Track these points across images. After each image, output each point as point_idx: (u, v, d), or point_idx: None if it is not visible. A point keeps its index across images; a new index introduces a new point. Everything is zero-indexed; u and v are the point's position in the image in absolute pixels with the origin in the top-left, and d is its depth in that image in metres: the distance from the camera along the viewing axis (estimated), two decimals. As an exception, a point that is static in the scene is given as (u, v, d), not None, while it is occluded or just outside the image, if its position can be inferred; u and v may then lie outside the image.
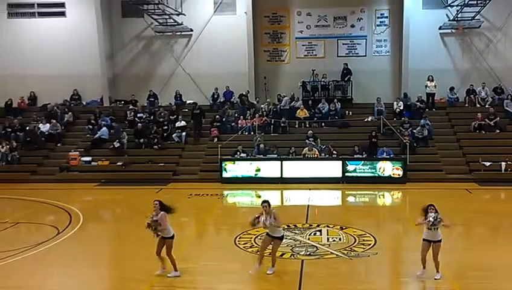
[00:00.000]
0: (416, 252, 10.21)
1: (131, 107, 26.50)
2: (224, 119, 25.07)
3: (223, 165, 21.96)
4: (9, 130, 25.25)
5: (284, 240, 11.26)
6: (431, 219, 9.71)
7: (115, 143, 23.89)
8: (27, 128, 25.16)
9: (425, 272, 10.04)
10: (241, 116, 25.05)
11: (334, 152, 22.43)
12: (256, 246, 12.29)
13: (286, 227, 13.77)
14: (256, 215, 10.39)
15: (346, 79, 26.18)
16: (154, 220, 10.03)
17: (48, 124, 25.46)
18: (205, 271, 11.05)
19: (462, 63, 26.50)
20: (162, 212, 10.14)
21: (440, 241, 9.90)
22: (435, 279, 9.88)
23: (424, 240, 10.00)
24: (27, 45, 27.75)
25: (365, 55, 27.00)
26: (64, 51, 27.35)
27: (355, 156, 22.13)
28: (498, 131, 23.63)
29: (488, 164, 21.71)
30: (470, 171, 21.85)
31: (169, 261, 10.41)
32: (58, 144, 25.05)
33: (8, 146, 23.92)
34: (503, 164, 21.61)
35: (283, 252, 11.59)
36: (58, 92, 27.15)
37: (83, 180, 22.32)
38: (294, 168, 21.74)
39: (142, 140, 24.33)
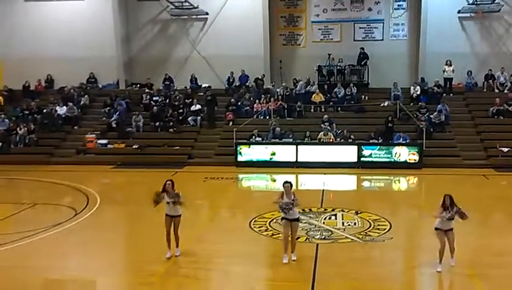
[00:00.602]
0: (431, 237, 10.15)
1: (146, 90, 26.58)
2: (239, 103, 25.05)
3: (238, 148, 21.99)
4: (27, 112, 25.51)
5: (299, 224, 11.29)
6: (446, 216, 9.64)
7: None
8: (44, 110, 25.38)
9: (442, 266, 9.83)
10: (257, 100, 25.00)
11: (352, 137, 22.31)
12: (271, 230, 12.34)
13: (301, 211, 13.78)
14: (279, 196, 10.32)
15: (362, 63, 25.94)
16: (177, 193, 10.47)
17: (64, 107, 25.66)
18: (220, 253, 11.13)
19: (480, 48, 26.08)
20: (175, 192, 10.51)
21: (452, 229, 9.80)
22: (451, 265, 9.82)
23: (436, 229, 9.82)
24: (44, 28, 27.87)
25: (382, 39, 26.68)
26: (81, 34, 27.43)
27: (371, 141, 22.01)
28: (516, 116, 23.30)
29: (505, 149, 21.45)
30: (487, 157, 21.63)
31: (174, 240, 10.65)
32: (75, 127, 25.26)
33: (25, 128, 24.17)
34: (521, 150, 21.36)
35: (298, 235, 11.61)
36: (75, 75, 27.28)
37: (99, 163, 22.51)
38: (309, 153, 21.69)
39: (157, 123, 24.43)
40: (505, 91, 24.56)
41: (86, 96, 26.78)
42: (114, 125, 24.39)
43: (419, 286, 10.07)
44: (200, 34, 27.69)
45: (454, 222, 9.78)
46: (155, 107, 24.89)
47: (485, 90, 25.18)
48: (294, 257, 10.38)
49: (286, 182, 10.42)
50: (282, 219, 10.49)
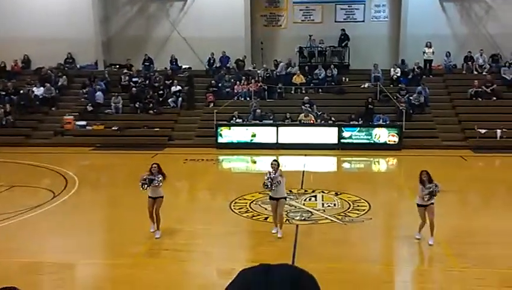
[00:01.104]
0: (410, 217, 10.30)
1: (125, 71, 26.23)
2: (220, 85, 24.89)
3: (219, 130, 21.91)
4: (3, 93, 25.01)
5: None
6: (426, 195, 9.84)
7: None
8: (21, 91, 24.92)
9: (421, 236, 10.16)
10: (237, 82, 24.86)
11: (332, 118, 22.37)
12: (251, 211, 12.37)
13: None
14: (267, 175, 10.42)
15: (343, 45, 25.91)
16: (151, 178, 10.58)
17: (42, 88, 25.21)
18: (200, 235, 11.14)
19: (460, 29, 26.21)
20: (160, 175, 10.68)
21: (433, 203, 10.00)
22: (429, 244, 9.97)
23: (418, 205, 10.09)
24: (20, 7, 27.21)
25: (363, 21, 26.64)
26: (58, 14, 26.83)
27: (351, 122, 22.10)
28: (495, 98, 23.56)
29: (483, 131, 21.72)
30: (465, 139, 21.89)
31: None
32: (53, 108, 24.87)
33: (2, 110, 23.74)
34: (499, 131, 21.62)
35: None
36: (52, 55, 26.74)
37: (78, 145, 22.24)
38: (290, 134, 21.71)
39: (137, 105, 24.18)
40: (484, 73, 24.77)
41: (64, 77, 26.32)
42: (90, 109, 23.98)
43: (397, 265, 10.20)
44: (180, 14, 27.33)
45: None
46: (134, 88, 24.60)
47: (464, 72, 25.38)
48: (279, 234, 10.55)
49: (275, 160, 10.76)
50: (270, 198, 10.71)
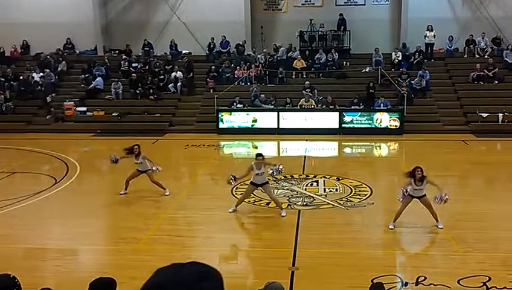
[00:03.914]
0: (412, 202, 10.28)
1: (124, 57, 26.07)
2: (220, 70, 24.76)
3: (220, 116, 21.85)
4: (3, 79, 24.91)
5: (280, 191, 11.37)
6: (416, 188, 10.01)
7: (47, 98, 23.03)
8: (21, 77, 24.81)
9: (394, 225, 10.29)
10: (238, 67, 24.73)
11: (333, 105, 22.28)
12: (253, 197, 12.37)
13: (283, 177, 13.84)
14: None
15: (342, 29, 25.74)
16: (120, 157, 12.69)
17: (41, 74, 25.09)
18: (203, 220, 11.15)
19: (462, 13, 26.00)
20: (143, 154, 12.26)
21: (425, 195, 10.05)
22: (439, 228, 10.08)
23: (410, 195, 10.15)
24: (18, -9, 27.03)
25: (364, 4, 26.41)
26: (57, -2, 26.68)
27: (352, 107, 22.03)
28: (496, 82, 23.46)
29: (485, 115, 21.67)
30: (467, 123, 21.83)
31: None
32: (53, 94, 24.75)
33: (2, 96, 23.65)
34: (500, 115, 21.58)
35: (280, 202, 11.65)
36: (51, 40, 26.54)
37: (79, 131, 22.21)
38: (291, 119, 21.66)
39: (137, 90, 24.08)
40: (486, 56, 24.63)
41: (64, 62, 26.19)
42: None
43: (399, 249, 10.22)
44: (180, -1, 27.11)
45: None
46: (134, 74, 24.48)
47: (465, 55, 25.23)
48: (284, 213, 11.07)
49: (259, 155, 11.42)
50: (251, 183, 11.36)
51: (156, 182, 12.28)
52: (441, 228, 10.10)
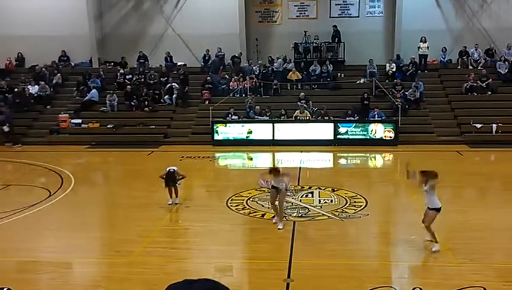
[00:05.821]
0: (407, 212, 10.30)
1: (121, 71, 26.00)
2: (215, 82, 24.81)
3: (215, 127, 21.88)
4: (-2, 92, 24.89)
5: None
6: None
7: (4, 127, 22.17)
8: (15, 90, 24.79)
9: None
10: (233, 79, 24.81)
11: (327, 116, 22.35)
12: (248, 208, 12.35)
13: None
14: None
15: (336, 41, 25.92)
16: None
17: (36, 86, 25.10)
18: (198, 232, 11.11)
19: (455, 24, 26.25)
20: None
21: (428, 207, 9.87)
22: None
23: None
24: (13, 4, 27.10)
25: (358, 16, 26.64)
26: (52, 11, 26.75)
27: (347, 118, 22.10)
28: (490, 93, 23.63)
29: (479, 126, 21.77)
30: (461, 134, 21.93)
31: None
32: (48, 106, 24.76)
33: (-4, 108, 23.61)
34: (494, 125, 21.68)
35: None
36: (46, 53, 26.63)
37: (73, 143, 22.18)
38: (286, 131, 21.71)
39: (132, 102, 24.10)
40: (479, 67, 24.83)
41: (59, 74, 26.21)
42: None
43: (394, 261, 10.20)
44: (175, 11, 27.25)
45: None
46: (129, 86, 24.51)
47: (459, 66, 25.42)
48: (280, 225, 10.98)
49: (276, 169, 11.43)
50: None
51: (176, 190, 12.62)
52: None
